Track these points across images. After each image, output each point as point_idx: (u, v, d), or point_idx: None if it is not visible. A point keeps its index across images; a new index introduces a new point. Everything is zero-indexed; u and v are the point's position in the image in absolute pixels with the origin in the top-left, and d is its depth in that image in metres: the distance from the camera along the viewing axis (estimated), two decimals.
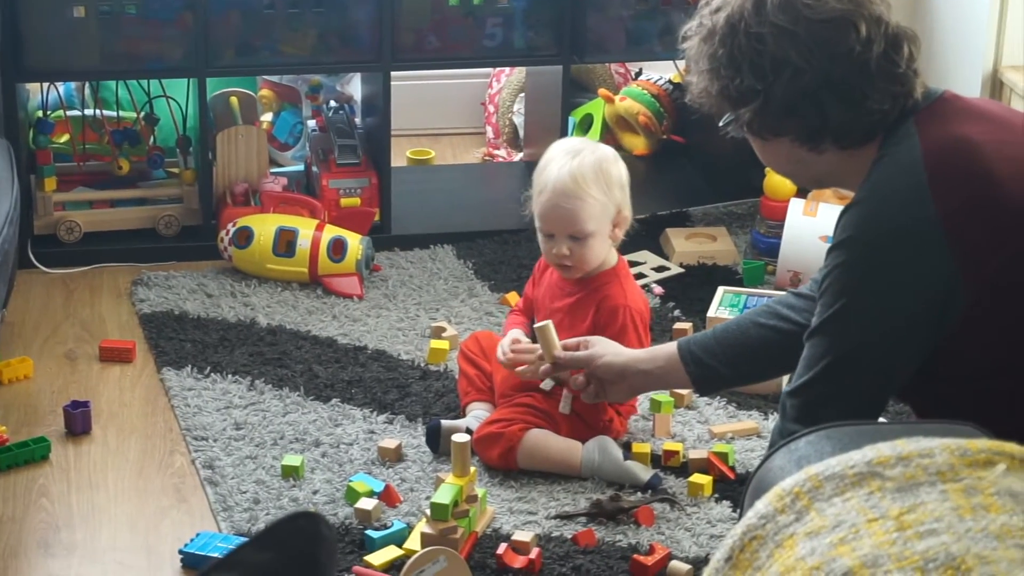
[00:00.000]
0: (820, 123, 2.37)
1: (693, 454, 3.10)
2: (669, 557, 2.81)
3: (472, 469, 2.87)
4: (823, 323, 2.38)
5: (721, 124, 2.52)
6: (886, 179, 2.33)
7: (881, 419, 2.79)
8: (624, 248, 3.92)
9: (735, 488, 3.01)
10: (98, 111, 4.15)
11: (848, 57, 2.34)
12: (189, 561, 2.82)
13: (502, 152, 4.69)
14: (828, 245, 2.43)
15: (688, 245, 4.00)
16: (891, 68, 2.35)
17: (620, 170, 3.12)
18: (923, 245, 2.28)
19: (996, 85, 3.83)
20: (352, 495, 2.97)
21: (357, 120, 4.31)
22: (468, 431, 3.04)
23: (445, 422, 3.13)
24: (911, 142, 2.33)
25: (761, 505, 1.74)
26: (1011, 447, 1.72)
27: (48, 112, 4.10)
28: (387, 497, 2.97)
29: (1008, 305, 2.28)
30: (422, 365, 3.48)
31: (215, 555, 2.78)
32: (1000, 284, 2.27)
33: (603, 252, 3.12)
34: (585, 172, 3.06)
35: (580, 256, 3.10)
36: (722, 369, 2.83)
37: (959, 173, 2.29)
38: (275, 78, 4.56)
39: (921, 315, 2.31)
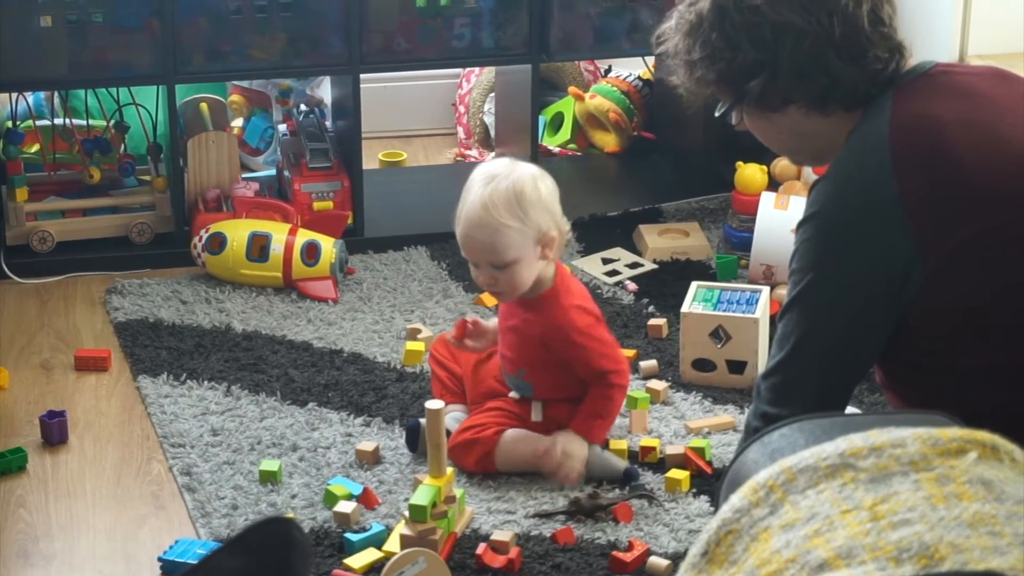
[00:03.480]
0: (828, 83, 2.40)
1: (670, 450, 3.11)
2: (648, 553, 2.82)
3: (450, 470, 2.87)
4: (792, 300, 2.41)
5: (719, 113, 2.53)
6: (853, 155, 2.37)
7: (855, 410, 2.81)
8: (597, 245, 3.96)
9: (712, 483, 3.01)
10: (68, 120, 4.14)
11: (843, 13, 2.37)
12: (168, 568, 2.82)
13: (474, 152, 4.69)
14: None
15: (661, 241, 4.01)
16: (879, 25, 2.40)
17: (542, 190, 3.00)
18: (884, 223, 2.31)
19: None
20: (330, 498, 2.97)
21: (328, 123, 4.31)
22: (447, 432, 3.04)
23: (424, 420, 3.13)
24: (882, 117, 2.37)
25: (736, 499, 1.75)
26: (982, 435, 1.73)
27: (17, 122, 4.09)
28: (366, 500, 2.98)
29: (961, 286, 2.31)
30: (398, 367, 3.48)
31: (194, 562, 2.77)
32: (955, 264, 2.30)
33: (532, 274, 3.01)
34: (497, 201, 2.96)
35: (507, 282, 3.01)
36: None
37: (922, 154, 2.32)
38: (245, 83, 4.56)
39: (882, 291, 2.34)
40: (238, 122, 4.56)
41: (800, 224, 2.41)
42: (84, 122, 4.18)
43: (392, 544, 2.82)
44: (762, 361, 3.38)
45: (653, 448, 3.12)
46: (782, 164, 3.94)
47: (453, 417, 3.14)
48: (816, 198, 2.39)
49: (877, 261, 2.33)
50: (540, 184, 3.01)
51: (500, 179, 2.99)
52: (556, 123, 4.68)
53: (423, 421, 3.11)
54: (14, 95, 4.06)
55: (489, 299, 3.74)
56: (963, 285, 2.32)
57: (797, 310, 2.40)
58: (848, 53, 2.38)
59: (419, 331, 3.58)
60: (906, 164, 2.31)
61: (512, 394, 3.13)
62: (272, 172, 4.39)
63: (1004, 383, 2.34)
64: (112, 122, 4.15)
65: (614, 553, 2.80)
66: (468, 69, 4.73)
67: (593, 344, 3.05)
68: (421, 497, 2.79)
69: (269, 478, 3.05)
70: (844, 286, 2.36)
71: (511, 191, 2.97)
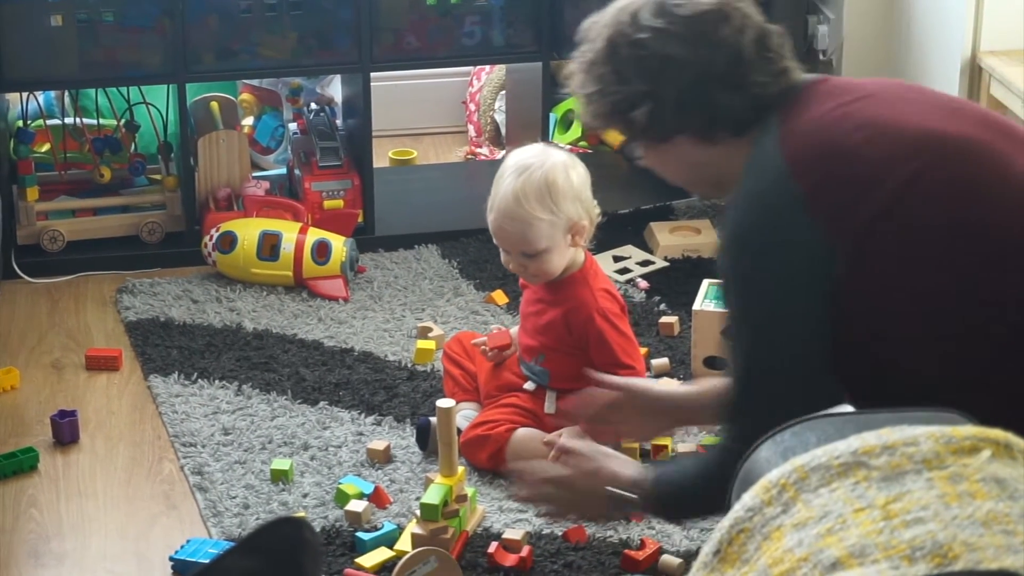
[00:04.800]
0: (712, 112, 2.44)
1: (682, 447, 3.11)
2: (660, 551, 2.81)
3: (461, 468, 2.87)
4: (732, 331, 2.42)
5: (621, 148, 2.57)
6: (751, 174, 2.40)
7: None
8: (608, 243, 3.95)
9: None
10: (78, 119, 4.14)
11: (725, 44, 2.43)
12: (180, 568, 2.82)
13: (484, 150, 4.69)
14: None
15: (672, 239, 4.00)
16: (764, 53, 2.45)
17: (574, 180, 3.04)
18: (793, 224, 2.32)
19: (975, 71, 3.83)
20: (342, 497, 2.97)
21: (338, 122, 4.31)
22: (457, 431, 3.04)
23: (435, 420, 3.12)
24: (771, 135, 2.40)
25: (748, 498, 1.74)
26: (995, 433, 1.73)
27: (28, 122, 4.09)
28: (377, 499, 2.97)
29: (877, 270, 2.31)
30: (409, 366, 3.48)
31: (206, 561, 2.77)
32: (867, 250, 2.30)
33: (562, 261, 3.08)
34: (529, 192, 3.00)
35: (537, 269, 3.06)
36: None
37: (813, 152, 2.35)
38: (255, 82, 4.56)
39: (812, 293, 2.33)
40: (248, 121, 4.56)
41: (720, 255, 2.43)
42: (95, 121, 4.18)
43: (403, 543, 2.82)
44: None
45: (665, 446, 3.11)
46: None
47: (464, 416, 3.14)
48: (727, 223, 2.42)
49: (799, 265, 2.33)
50: (572, 173, 3.05)
51: (533, 170, 3.02)
52: (567, 121, 4.67)
53: (433, 420, 3.11)
54: (25, 94, 4.07)
55: (500, 297, 3.74)
56: (878, 272, 2.31)
57: (740, 338, 2.40)
58: (730, 81, 2.43)
59: (430, 329, 3.58)
60: (801, 166, 2.34)
61: (528, 385, 3.13)
62: (283, 171, 4.39)
63: (949, 375, 2.32)
64: (122, 121, 4.15)
65: (626, 551, 2.80)
66: (478, 67, 4.73)
67: (612, 332, 3.06)
68: (432, 496, 2.79)
69: (280, 477, 3.05)
70: (776, 298, 2.36)
71: (543, 183, 3.01)
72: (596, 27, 2.51)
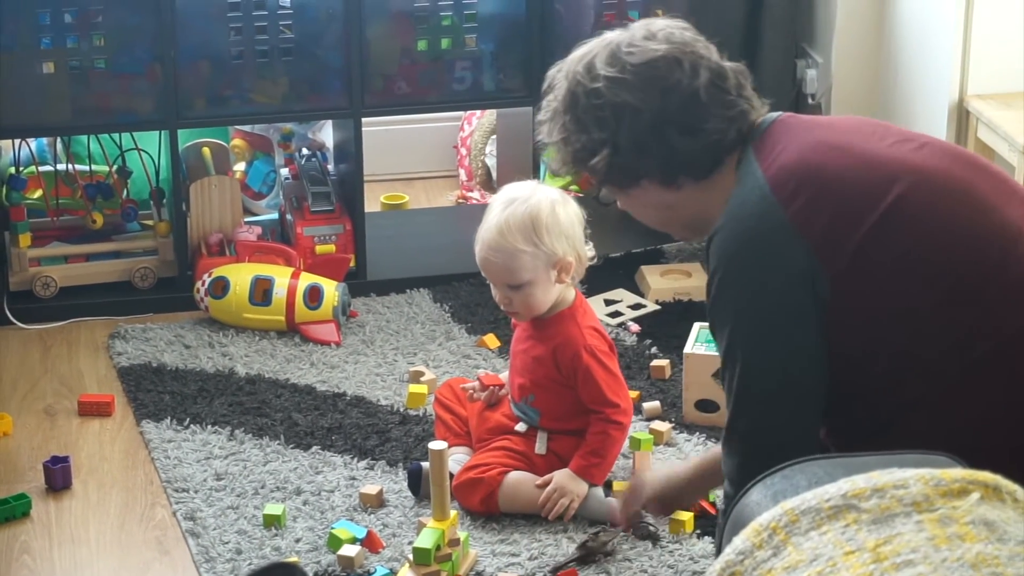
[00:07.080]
0: (668, 156, 2.48)
1: None
2: None
3: (453, 512, 2.87)
4: (724, 353, 2.42)
5: (600, 197, 2.61)
6: (736, 203, 2.42)
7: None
8: (600, 286, 3.96)
9: (716, 523, 3.01)
10: (70, 166, 4.15)
11: (678, 90, 2.46)
12: None
13: (476, 194, 4.70)
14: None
15: (663, 282, 4.01)
16: (720, 95, 2.48)
17: (560, 216, 3.06)
18: (781, 245, 2.35)
19: (962, 114, 3.85)
20: (335, 542, 2.97)
21: (330, 167, 4.32)
22: (450, 475, 3.05)
23: (426, 465, 3.13)
24: (752, 167, 2.43)
25: (739, 541, 1.75)
26: (984, 476, 1.73)
27: (20, 168, 4.10)
28: (370, 543, 2.98)
29: (863, 292, 2.33)
30: (401, 410, 3.48)
31: None
32: (855, 272, 2.32)
33: (548, 297, 3.09)
34: (512, 225, 3.02)
35: (522, 303, 3.08)
36: None
37: (796, 179, 2.38)
38: (247, 127, 4.57)
39: (804, 311, 2.34)
40: (240, 166, 4.57)
41: (709, 283, 2.44)
42: (87, 167, 4.19)
43: None
44: None
45: None
46: None
47: (456, 460, 3.14)
48: (714, 251, 2.43)
49: (789, 282, 2.35)
50: (559, 209, 3.07)
51: (518, 203, 3.05)
52: None
53: (424, 465, 3.11)
54: (17, 141, 4.08)
55: (492, 341, 3.75)
56: (865, 294, 2.33)
57: (733, 360, 2.40)
58: (685, 126, 2.47)
59: (422, 373, 3.58)
60: (786, 191, 2.36)
61: (519, 427, 3.14)
62: (274, 216, 4.40)
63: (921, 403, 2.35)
64: (115, 167, 4.16)
65: None
66: (469, 112, 4.74)
67: (599, 369, 3.08)
68: (425, 540, 2.79)
69: (273, 522, 3.05)
70: (768, 317, 2.37)
71: (527, 216, 3.03)
72: (557, 77, 2.55)
